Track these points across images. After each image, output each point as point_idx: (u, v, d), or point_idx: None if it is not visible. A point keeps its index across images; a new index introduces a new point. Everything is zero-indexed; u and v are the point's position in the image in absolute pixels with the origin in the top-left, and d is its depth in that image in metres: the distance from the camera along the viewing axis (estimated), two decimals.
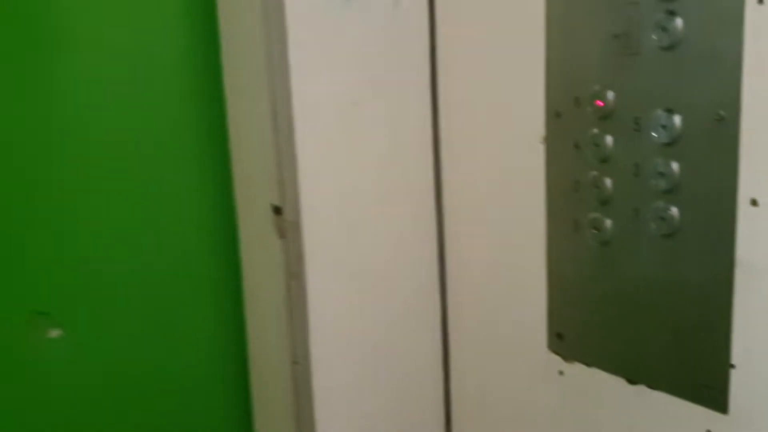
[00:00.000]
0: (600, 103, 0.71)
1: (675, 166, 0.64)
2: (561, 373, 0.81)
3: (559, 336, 0.80)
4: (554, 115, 0.77)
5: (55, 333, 0.92)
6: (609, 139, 0.71)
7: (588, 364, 0.78)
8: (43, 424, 0.93)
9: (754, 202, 0.60)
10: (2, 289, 0.88)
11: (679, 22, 0.62)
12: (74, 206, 0.91)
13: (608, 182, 0.72)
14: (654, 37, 0.64)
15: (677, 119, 0.63)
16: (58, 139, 0.90)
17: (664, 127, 0.64)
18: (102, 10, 0.90)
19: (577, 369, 0.79)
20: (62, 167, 0.91)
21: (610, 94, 0.70)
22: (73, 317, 0.92)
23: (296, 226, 0.88)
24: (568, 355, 0.80)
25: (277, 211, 0.89)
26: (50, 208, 0.90)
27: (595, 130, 0.72)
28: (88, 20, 0.90)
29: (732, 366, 0.63)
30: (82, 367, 0.95)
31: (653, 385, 0.71)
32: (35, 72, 0.87)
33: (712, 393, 0.65)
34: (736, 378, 0.63)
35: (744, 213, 0.60)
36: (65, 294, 0.92)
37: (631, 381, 0.73)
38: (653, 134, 0.65)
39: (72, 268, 0.92)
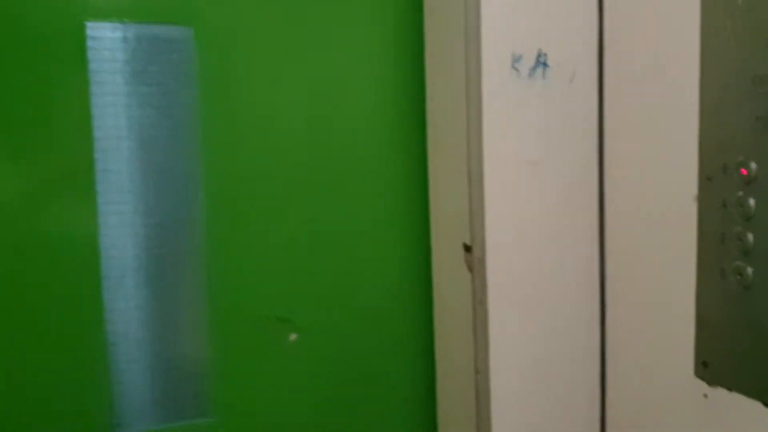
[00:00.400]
0: (744, 171, 0.87)
1: None
2: (705, 396, 0.96)
3: (705, 364, 0.95)
4: (705, 179, 0.94)
5: (293, 337, 1.21)
6: (752, 201, 0.87)
7: (729, 389, 0.92)
8: (282, 415, 1.20)
9: None
10: (255, 298, 1.18)
11: None
12: (314, 237, 1.19)
13: (750, 236, 0.87)
14: None
15: None
16: (298, 177, 1.19)
17: None
18: (327, 73, 1.19)
19: (720, 393, 0.94)
20: (304, 205, 1.20)
21: (753, 165, 0.86)
22: (307, 324, 1.20)
23: (482, 261, 1.10)
24: (711, 381, 0.95)
25: (467, 249, 1.12)
26: (298, 238, 1.19)
27: (740, 193, 0.88)
28: (311, 77, 1.18)
29: None
30: (309, 368, 1.22)
31: None
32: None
33: None
34: None
35: None
36: (302, 303, 1.20)
37: (767, 404, 0.87)
38: None
39: (308, 282, 1.20)
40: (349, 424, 1.25)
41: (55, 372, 1.06)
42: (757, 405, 0.88)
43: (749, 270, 0.87)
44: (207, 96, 1.11)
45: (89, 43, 1.02)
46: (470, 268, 1.11)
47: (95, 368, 1.08)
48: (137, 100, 1.04)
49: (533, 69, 1.11)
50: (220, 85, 1.11)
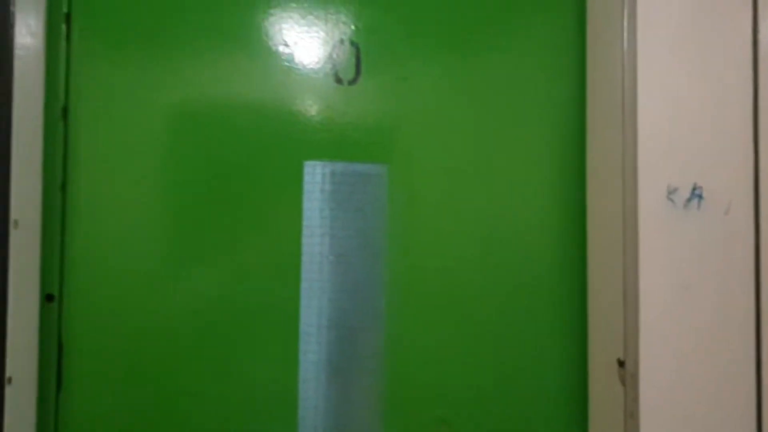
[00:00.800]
0: None
1: None
2: None
3: None
4: None
5: None
6: None
7: None
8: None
9: None
10: (423, 398, 1.34)
11: None
12: (478, 346, 1.35)
13: None
14: None
15: None
16: (467, 289, 1.35)
17: None
18: (498, 199, 1.36)
19: None
20: (470, 316, 1.36)
21: None
22: (466, 427, 1.35)
23: (635, 376, 1.19)
24: None
25: (621, 364, 1.21)
26: (463, 347, 1.35)
27: None
28: (484, 202, 1.36)
29: None
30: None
31: None
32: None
33: None
34: None
35: None
36: (463, 406, 1.35)
37: None
38: None
39: (469, 386, 1.34)
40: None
41: None
42: None
43: None
44: (395, 218, 1.34)
45: (305, 177, 1.30)
46: (623, 382, 1.20)
47: None
48: (339, 223, 1.29)
49: (688, 200, 1.20)
50: (407, 208, 1.34)
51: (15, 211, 1.08)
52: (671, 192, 1.20)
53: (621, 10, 1.24)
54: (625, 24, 1.23)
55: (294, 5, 1.39)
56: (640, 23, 1.21)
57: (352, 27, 1.38)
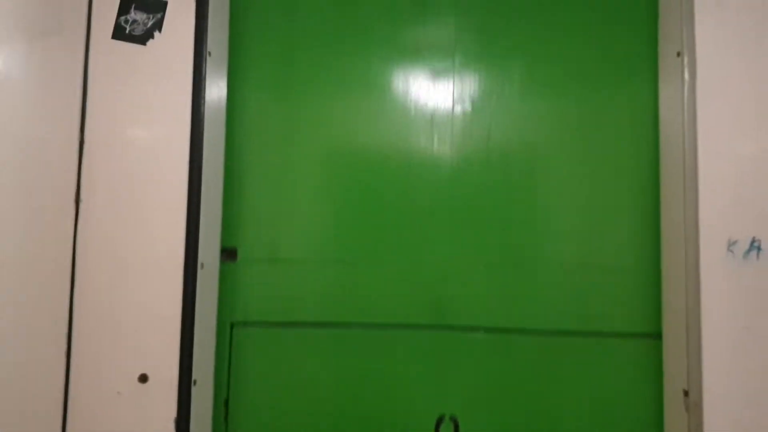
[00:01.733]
0: None
1: None
2: None
3: None
4: None
5: None
6: None
7: None
8: None
9: None
10: None
11: None
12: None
13: None
14: None
15: None
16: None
17: None
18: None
19: None
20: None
21: None
22: None
23: (698, 405, 1.37)
24: None
25: (686, 393, 1.40)
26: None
27: None
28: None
29: None
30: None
31: None
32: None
33: None
34: None
35: None
36: None
37: None
38: None
39: None
40: None
41: None
42: None
43: None
44: None
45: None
46: (687, 409, 1.38)
47: None
48: None
49: (747, 252, 1.38)
50: None
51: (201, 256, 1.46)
52: (731, 244, 1.38)
53: (681, 75, 1.44)
54: (686, 90, 1.43)
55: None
56: (699, 87, 1.41)
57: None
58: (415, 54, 1.66)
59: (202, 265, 1.45)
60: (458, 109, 1.63)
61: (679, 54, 1.45)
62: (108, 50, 1.47)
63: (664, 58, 1.54)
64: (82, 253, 1.44)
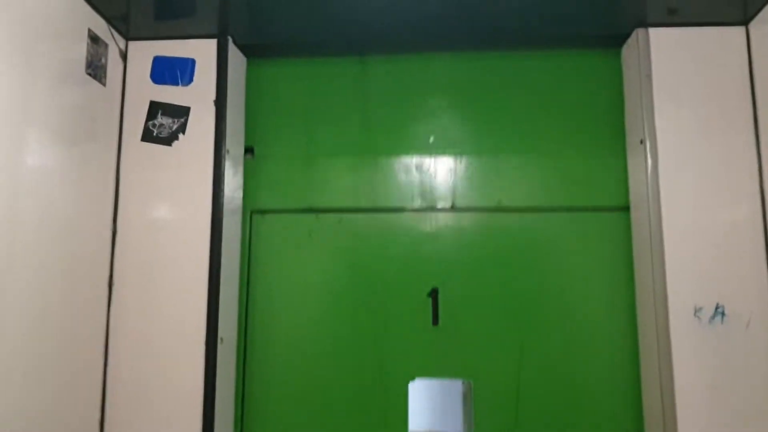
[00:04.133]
0: None
1: None
2: None
3: None
4: None
5: None
6: None
7: None
8: None
9: None
10: None
11: None
12: None
13: None
14: None
15: None
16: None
17: None
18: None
19: None
20: None
21: None
22: None
23: None
24: None
25: None
26: None
27: None
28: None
29: None
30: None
31: None
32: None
33: None
34: None
35: None
36: None
37: None
38: None
39: None
40: None
41: None
42: None
43: None
44: None
45: None
46: None
47: None
48: None
49: (712, 317, 1.54)
50: None
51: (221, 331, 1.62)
52: (697, 311, 1.54)
53: (645, 160, 1.63)
54: (650, 173, 1.61)
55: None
56: (661, 170, 1.59)
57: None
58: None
59: (222, 339, 1.61)
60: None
61: (642, 141, 1.64)
62: (137, 150, 1.67)
63: (630, 145, 1.73)
64: (114, 333, 1.61)
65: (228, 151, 1.68)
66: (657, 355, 1.57)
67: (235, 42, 1.76)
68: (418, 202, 1.81)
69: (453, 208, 1.80)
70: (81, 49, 1.51)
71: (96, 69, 1.56)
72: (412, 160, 1.83)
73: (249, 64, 1.87)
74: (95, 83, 1.57)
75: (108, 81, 1.62)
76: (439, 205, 1.81)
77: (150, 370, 1.59)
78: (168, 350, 1.59)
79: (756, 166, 1.59)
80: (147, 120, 1.67)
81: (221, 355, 1.61)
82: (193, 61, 1.69)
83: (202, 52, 1.71)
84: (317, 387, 1.75)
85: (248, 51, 1.85)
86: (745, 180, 1.58)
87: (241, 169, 1.79)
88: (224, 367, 1.63)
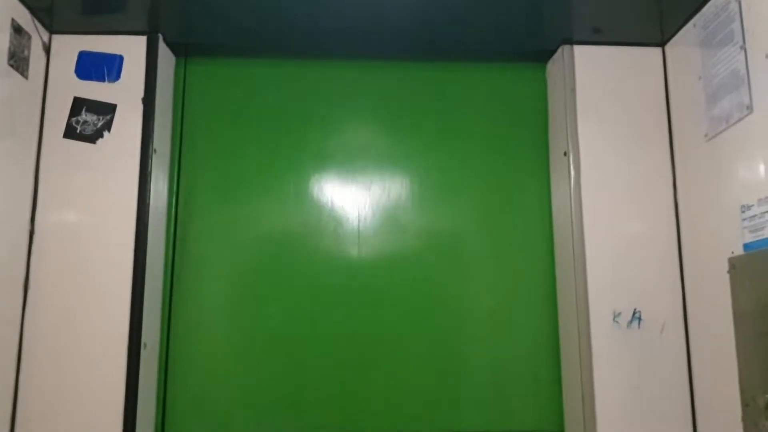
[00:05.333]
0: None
1: None
2: None
3: None
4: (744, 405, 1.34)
5: None
6: None
7: None
8: None
9: None
10: None
11: None
12: None
13: None
14: None
15: None
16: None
17: None
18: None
19: None
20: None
21: None
22: None
23: None
24: None
25: None
26: None
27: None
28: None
29: None
30: None
31: None
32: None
33: None
34: None
35: None
36: None
37: None
38: None
39: None
40: None
41: None
42: None
43: None
44: None
45: None
46: None
47: None
48: None
49: (630, 322, 1.61)
50: None
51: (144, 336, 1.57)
52: (616, 316, 1.61)
53: (568, 172, 1.69)
54: (572, 184, 1.68)
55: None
56: (584, 181, 1.65)
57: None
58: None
59: (145, 345, 1.55)
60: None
61: (565, 153, 1.71)
62: (59, 147, 1.61)
63: (554, 157, 1.80)
64: (29, 339, 1.53)
65: (155, 150, 1.63)
66: (579, 358, 1.62)
67: (165, 40, 1.72)
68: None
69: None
70: (3, 39, 1.44)
71: (18, 61, 1.49)
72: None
73: (177, 63, 1.83)
74: (17, 75, 1.50)
75: (30, 74, 1.55)
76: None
77: (67, 378, 1.52)
78: (88, 357, 1.53)
79: (671, 179, 1.68)
80: (70, 116, 1.61)
81: (144, 361, 1.55)
82: (121, 58, 1.64)
83: (131, 48, 1.66)
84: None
85: (178, 50, 1.81)
86: (662, 193, 1.67)
87: (167, 168, 1.74)
88: (147, 373, 1.58)
